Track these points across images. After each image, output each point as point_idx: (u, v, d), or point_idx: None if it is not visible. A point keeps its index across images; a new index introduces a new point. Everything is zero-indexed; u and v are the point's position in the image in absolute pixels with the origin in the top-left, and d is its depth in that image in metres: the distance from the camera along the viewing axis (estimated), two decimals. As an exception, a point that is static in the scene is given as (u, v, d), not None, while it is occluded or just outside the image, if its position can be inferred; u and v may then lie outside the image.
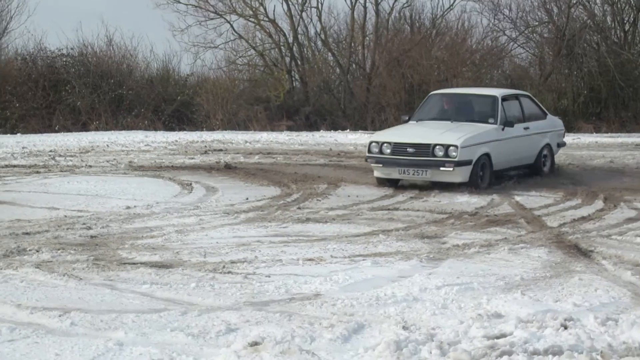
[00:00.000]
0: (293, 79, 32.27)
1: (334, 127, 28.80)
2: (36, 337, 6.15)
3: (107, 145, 22.64)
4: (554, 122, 16.65)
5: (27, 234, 10.26)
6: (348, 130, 27.86)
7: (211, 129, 29.46)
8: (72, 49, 32.30)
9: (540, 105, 16.70)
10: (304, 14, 32.34)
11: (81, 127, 29.43)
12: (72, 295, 7.38)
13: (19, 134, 27.93)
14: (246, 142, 23.61)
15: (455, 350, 5.94)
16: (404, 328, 6.52)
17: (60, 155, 20.03)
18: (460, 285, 7.81)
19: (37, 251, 9.11)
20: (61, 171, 16.87)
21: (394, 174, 14.27)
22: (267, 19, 32.18)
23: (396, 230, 10.69)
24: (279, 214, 11.73)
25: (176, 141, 23.88)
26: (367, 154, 14.59)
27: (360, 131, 27.12)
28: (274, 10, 32.17)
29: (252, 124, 28.90)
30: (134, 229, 10.67)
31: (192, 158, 19.38)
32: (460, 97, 16.23)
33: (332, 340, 6.25)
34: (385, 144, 14.34)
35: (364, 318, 6.81)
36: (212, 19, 32.69)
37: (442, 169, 13.83)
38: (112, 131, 27.91)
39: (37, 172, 16.70)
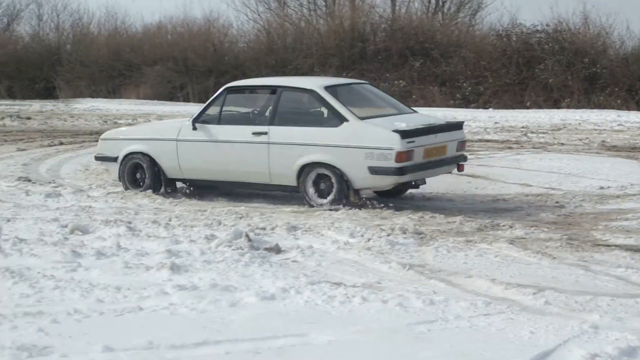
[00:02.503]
0: None
1: None
2: (511, 313, 6.14)
3: (579, 124, 22.32)
4: (362, 134, 10.38)
5: (500, 209, 10.37)
6: None
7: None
8: (547, 25, 32.21)
9: (336, 106, 10.62)
10: None
11: (552, 104, 29.30)
12: (546, 274, 7.29)
13: (491, 109, 28.46)
14: None
15: None
16: None
17: (532, 132, 20.08)
18: None
19: (511, 227, 9.14)
20: (533, 148, 16.88)
21: None
22: None
23: None
24: None
25: (651, 121, 22.96)
26: None
27: None
28: None
29: None
30: (607, 210, 10.37)
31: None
32: None
33: None
34: None
35: None
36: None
37: None
38: (584, 109, 27.46)
39: (510, 148, 16.86)
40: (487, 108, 28.97)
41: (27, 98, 38.24)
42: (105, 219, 9.37)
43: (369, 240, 8.32)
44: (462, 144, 11.11)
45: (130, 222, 9.10)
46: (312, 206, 10.45)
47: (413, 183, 10.87)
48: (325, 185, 10.55)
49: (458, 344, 5.49)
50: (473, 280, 7.03)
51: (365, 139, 10.32)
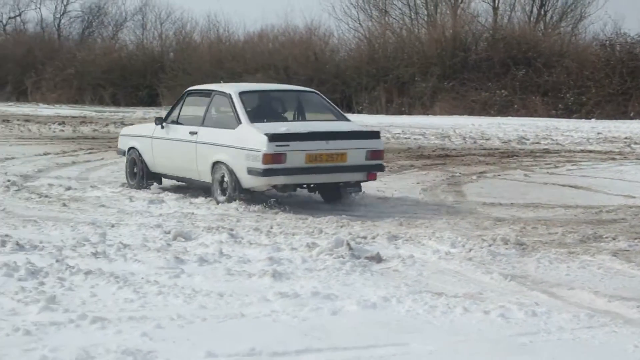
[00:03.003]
0: None
1: None
2: (614, 326, 6.04)
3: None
4: (246, 136, 10.91)
5: (603, 221, 10.21)
6: None
7: None
8: (652, 34, 31.67)
9: (239, 109, 11.18)
10: None
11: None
12: (651, 288, 7.17)
13: (593, 120, 28.03)
14: None
15: None
16: None
17: (635, 143, 19.74)
18: None
19: (614, 239, 8.99)
20: (637, 159, 16.60)
21: None
22: None
23: None
24: None
25: None
26: None
27: None
28: None
29: None
30: None
31: None
32: None
33: None
34: None
35: None
36: None
37: None
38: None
39: (613, 159, 16.59)
40: (590, 118, 28.55)
41: (130, 105, 39.01)
42: (207, 225, 9.50)
43: (470, 250, 8.28)
44: (374, 153, 11.05)
45: (232, 229, 9.20)
46: (217, 202, 11.16)
47: (348, 189, 11.30)
48: (227, 183, 11.14)
49: (560, 356, 5.43)
50: (575, 292, 6.94)
51: (246, 141, 10.85)
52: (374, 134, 11.37)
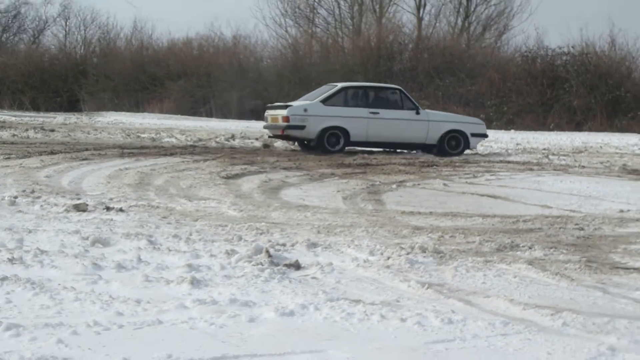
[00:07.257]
0: None
1: None
2: (528, 333, 6.13)
3: (601, 147, 22.30)
4: None
5: (520, 230, 10.37)
6: None
7: None
8: (572, 47, 32.27)
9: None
10: None
11: (575, 127, 29.31)
12: (564, 295, 7.29)
13: (512, 130, 28.44)
14: None
15: None
16: None
17: (553, 154, 20.06)
18: None
19: (530, 248, 9.14)
20: (554, 170, 16.88)
21: None
22: None
23: None
24: None
25: (674, 145, 22.88)
26: None
27: None
28: None
29: None
30: (627, 233, 10.35)
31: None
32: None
33: None
34: None
35: None
36: None
37: None
38: (606, 132, 27.44)
39: (531, 170, 16.86)
40: (510, 129, 28.98)
41: (50, 110, 38.46)
42: (126, 232, 9.42)
43: (388, 258, 8.34)
44: (284, 118, 20.75)
45: (151, 236, 9.15)
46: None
47: None
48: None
49: (475, 363, 5.50)
50: (491, 300, 7.04)
51: None
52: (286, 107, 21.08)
